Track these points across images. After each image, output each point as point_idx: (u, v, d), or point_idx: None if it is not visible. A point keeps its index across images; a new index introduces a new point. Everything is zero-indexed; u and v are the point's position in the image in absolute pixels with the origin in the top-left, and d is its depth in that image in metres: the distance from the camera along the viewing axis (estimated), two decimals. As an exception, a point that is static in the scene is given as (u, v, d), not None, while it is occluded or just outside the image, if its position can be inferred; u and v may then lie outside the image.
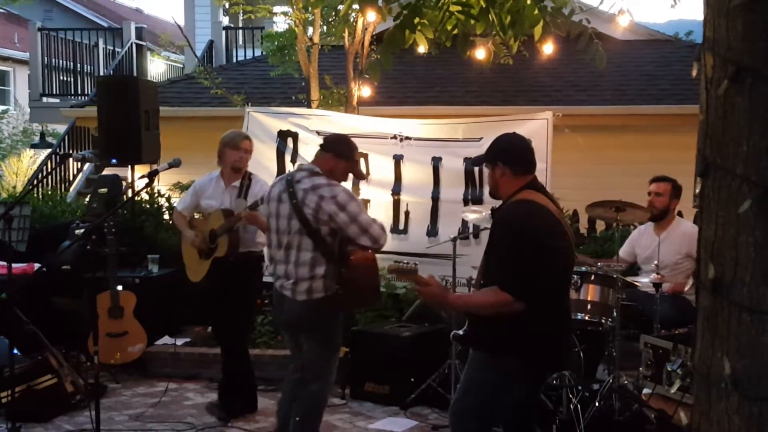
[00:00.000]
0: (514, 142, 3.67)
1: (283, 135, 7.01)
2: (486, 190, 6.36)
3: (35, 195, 10.39)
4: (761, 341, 1.87)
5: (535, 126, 6.42)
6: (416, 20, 3.75)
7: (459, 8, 3.86)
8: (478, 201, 6.47)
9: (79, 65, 14.49)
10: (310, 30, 8.92)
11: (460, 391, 3.62)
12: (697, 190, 1.98)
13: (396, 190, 6.83)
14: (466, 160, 6.57)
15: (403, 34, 3.78)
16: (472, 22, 3.91)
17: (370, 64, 5.00)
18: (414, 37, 3.88)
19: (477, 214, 5.95)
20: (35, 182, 12.28)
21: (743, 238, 1.88)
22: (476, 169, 6.56)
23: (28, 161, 17.85)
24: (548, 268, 3.34)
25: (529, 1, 4.01)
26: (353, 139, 6.83)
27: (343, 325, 4.57)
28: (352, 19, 8.31)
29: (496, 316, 3.34)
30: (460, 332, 3.60)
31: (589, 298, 5.37)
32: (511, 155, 3.55)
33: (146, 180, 4.45)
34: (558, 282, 3.47)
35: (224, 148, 5.58)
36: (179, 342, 7.06)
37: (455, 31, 4.10)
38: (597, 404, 5.06)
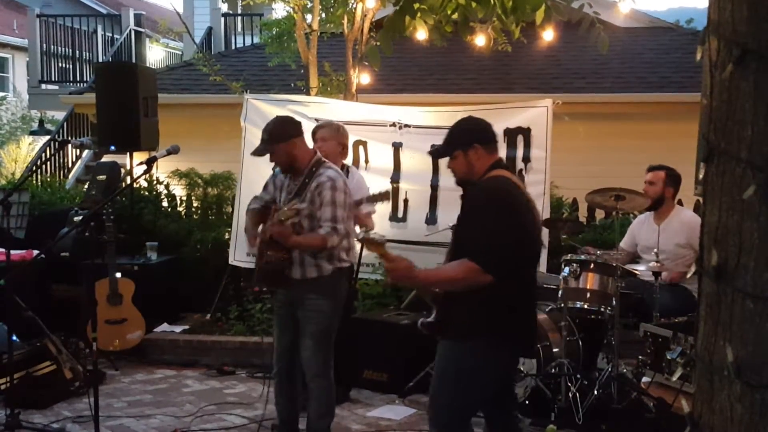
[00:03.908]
0: (479, 122, 3.65)
1: (281, 122, 6.98)
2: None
3: (34, 182, 10.37)
4: (765, 328, 1.85)
5: (534, 114, 6.39)
6: (416, 5, 3.71)
7: (460, -8, 3.83)
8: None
9: (77, 52, 14.45)
10: (309, 17, 8.87)
11: (436, 385, 3.51)
12: (701, 176, 1.96)
13: (395, 178, 6.81)
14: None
15: (403, 19, 3.74)
16: (474, 5, 3.87)
17: (370, 49, 4.95)
18: (414, 23, 3.85)
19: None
20: (34, 169, 12.25)
21: (747, 224, 1.86)
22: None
23: (27, 148, 17.79)
24: (519, 244, 3.30)
25: (530, -15, 3.98)
26: (352, 126, 6.92)
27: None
28: (351, 6, 8.27)
29: (463, 299, 3.29)
30: (430, 319, 3.52)
31: (588, 287, 5.37)
32: (485, 135, 3.54)
33: (144, 167, 4.42)
34: (525, 261, 3.41)
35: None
36: (178, 329, 7.06)
37: (455, 16, 4.06)
38: (596, 392, 5.06)
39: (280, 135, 4.38)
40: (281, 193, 4.51)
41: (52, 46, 14.09)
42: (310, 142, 6.89)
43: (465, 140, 3.51)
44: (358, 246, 6.33)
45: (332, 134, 5.26)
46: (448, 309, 3.44)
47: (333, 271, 4.43)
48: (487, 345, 3.34)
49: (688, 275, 5.57)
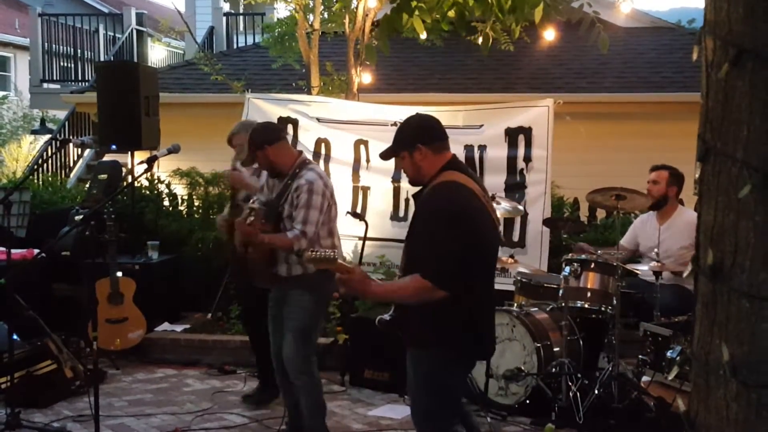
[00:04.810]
0: (426, 120, 3.52)
1: (283, 122, 6.98)
2: (486, 178, 6.35)
3: (35, 181, 10.38)
4: (760, 328, 1.86)
5: (536, 113, 6.39)
6: (413, 3, 3.70)
7: (456, -10, 3.82)
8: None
9: (79, 51, 14.46)
10: (311, 17, 8.87)
11: (414, 395, 3.50)
12: (697, 175, 1.96)
13: (396, 177, 6.81)
14: (466, 147, 6.54)
15: (401, 17, 3.73)
16: (471, 2, 3.87)
17: (367, 47, 4.96)
18: (411, 21, 3.84)
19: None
20: (35, 168, 12.25)
21: (743, 224, 1.86)
22: (476, 155, 6.54)
23: (28, 147, 17.77)
24: (469, 252, 3.19)
25: (528, -16, 3.98)
26: (353, 125, 6.93)
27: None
28: (353, 6, 8.27)
29: (416, 306, 3.24)
30: (386, 317, 3.49)
31: (589, 286, 5.37)
32: (429, 134, 3.39)
33: (145, 166, 4.42)
34: (478, 267, 3.29)
35: None
36: (179, 328, 7.07)
37: (451, 13, 4.06)
38: (596, 392, 5.06)
39: (256, 143, 4.48)
40: (272, 194, 4.58)
41: (53, 45, 14.11)
42: (311, 142, 6.96)
43: (408, 141, 3.38)
44: (359, 244, 6.39)
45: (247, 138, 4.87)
46: (403, 312, 3.40)
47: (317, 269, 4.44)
48: (445, 355, 3.32)
49: (684, 274, 5.56)
